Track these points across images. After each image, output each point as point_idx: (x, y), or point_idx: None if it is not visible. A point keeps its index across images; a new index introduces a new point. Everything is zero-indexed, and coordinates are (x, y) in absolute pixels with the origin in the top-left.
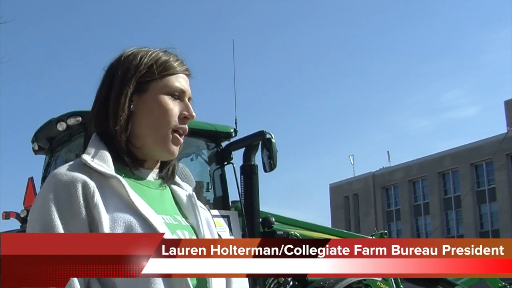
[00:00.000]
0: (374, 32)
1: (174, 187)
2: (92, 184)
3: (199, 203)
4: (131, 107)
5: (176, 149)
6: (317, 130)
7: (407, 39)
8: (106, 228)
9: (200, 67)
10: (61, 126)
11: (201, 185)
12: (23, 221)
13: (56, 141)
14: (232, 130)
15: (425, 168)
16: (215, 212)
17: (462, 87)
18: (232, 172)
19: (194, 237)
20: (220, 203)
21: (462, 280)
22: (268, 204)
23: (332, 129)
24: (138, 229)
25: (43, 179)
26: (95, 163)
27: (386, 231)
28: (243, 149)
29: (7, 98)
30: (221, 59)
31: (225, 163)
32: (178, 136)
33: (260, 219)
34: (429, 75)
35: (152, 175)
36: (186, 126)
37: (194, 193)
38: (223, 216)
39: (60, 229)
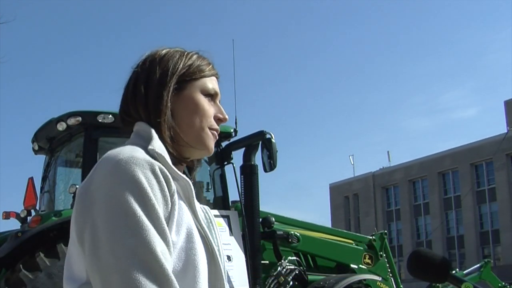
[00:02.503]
0: (374, 33)
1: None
2: (172, 180)
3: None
4: (169, 105)
5: (213, 145)
6: (317, 130)
7: (407, 39)
8: (174, 231)
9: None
10: (61, 126)
11: (201, 185)
12: (23, 221)
13: (56, 141)
14: (232, 130)
15: (425, 168)
16: (215, 212)
17: (462, 87)
18: (232, 172)
19: (217, 255)
20: (220, 203)
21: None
22: (268, 204)
23: (332, 129)
24: (197, 239)
25: (43, 179)
26: (165, 159)
27: (386, 231)
28: (243, 149)
29: (7, 98)
30: (221, 59)
31: (225, 163)
32: (216, 133)
33: (260, 219)
34: (429, 76)
35: None
36: (219, 129)
37: (208, 207)
38: (223, 216)
39: (160, 214)
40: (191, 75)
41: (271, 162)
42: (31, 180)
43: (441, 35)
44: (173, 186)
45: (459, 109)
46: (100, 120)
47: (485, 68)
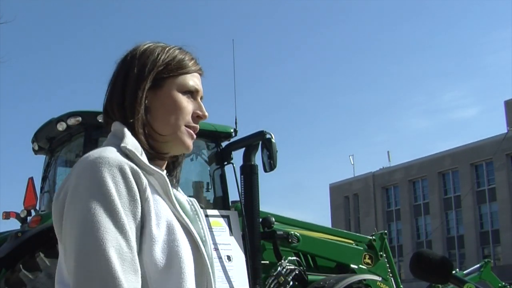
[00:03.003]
0: (374, 33)
1: (174, 191)
2: (142, 175)
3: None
4: (146, 102)
5: (191, 143)
6: (317, 130)
7: (407, 39)
8: (154, 223)
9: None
10: (61, 126)
11: (201, 185)
12: (23, 221)
13: (56, 141)
14: (232, 130)
15: (425, 168)
16: (215, 212)
17: (463, 88)
18: (232, 172)
19: (201, 245)
20: (220, 203)
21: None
22: (268, 204)
23: (332, 129)
24: (178, 230)
25: (43, 179)
26: (137, 156)
27: (386, 231)
28: (243, 149)
29: (7, 98)
30: (221, 59)
31: (225, 163)
32: (192, 132)
33: (260, 219)
34: (429, 76)
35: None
36: (198, 126)
37: (195, 200)
38: (223, 216)
39: (121, 212)
40: (169, 72)
41: (271, 162)
42: (31, 180)
43: (441, 35)
44: (144, 181)
45: (459, 109)
46: (100, 120)
47: (485, 68)
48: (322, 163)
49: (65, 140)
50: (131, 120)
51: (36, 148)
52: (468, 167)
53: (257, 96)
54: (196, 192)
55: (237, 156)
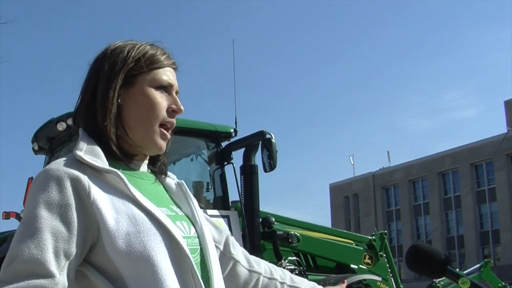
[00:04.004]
0: (374, 33)
1: (163, 177)
2: (86, 179)
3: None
4: (119, 101)
5: (163, 144)
6: (317, 130)
7: (407, 39)
8: (111, 221)
9: (200, 67)
10: (61, 126)
11: (201, 185)
12: None
13: (56, 141)
14: (232, 130)
15: (425, 168)
16: (215, 212)
17: (463, 88)
18: (232, 172)
19: (191, 227)
20: (220, 203)
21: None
22: (268, 204)
23: (332, 129)
24: (142, 221)
25: None
26: (90, 159)
27: (386, 231)
28: (243, 149)
29: (7, 98)
30: (221, 59)
31: (225, 163)
32: (165, 132)
33: (260, 219)
34: (429, 76)
35: (143, 167)
36: (174, 120)
37: (183, 181)
38: (223, 216)
39: (42, 220)
40: (140, 68)
41: (271, 162)
42: (31, 180)
43: (441, 35)
44: (87, 186)
45: (459, 109)
46: None
47: (485, 68)
48: (322, 163)
49: (65, 140)
50: (104, 122)
51: (36, 148)
52: (468, 167)
53: (257, 96)
54: (196, 192)
55: (237, 156)
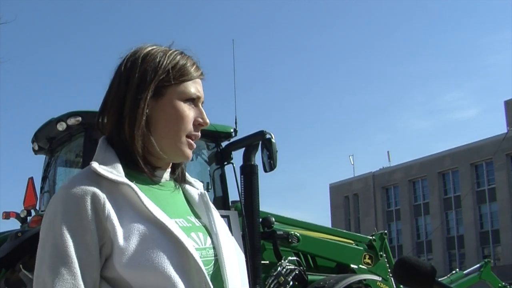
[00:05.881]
0: (375, 33)
1: (186, 186)
2: (102, 196)
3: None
4: (147, 111)
5: (190, 153)
6: (318, 131)
7: (408, 40)
8: (121, 238)
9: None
10: (61, 126)
11: None
12: (23, 221)
13: (56, 141)
14: (232, 130)
15: (425, 168)
16: None
17: (463, 88)
18: (232, 172)
19: (208, 237)
20: (220, 203)
21: (462, 281)
22: (268, 204)
23: (332, 129)
24: (153, 237)
25: (43, 179)
26: (104, 170)
27: (386, 231)
28: (243, 149)
29: (7, 98)
30: (221, 59)
31: (225, 163)
32: (191, 141)
33: (260, 219)
34: (429, 76)
35: (165, 176)
36: (199, 133)
37: (206, 192)
38: (223, 216)
39: (68, 244)
40: (171, 80)
41: (271, 162)
42: (31, 180)
43: (441, 35)
44: (102, 201)
45: (459, 110)
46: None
47: (485, 68)
48: (322, 163)
49: (65, 140)
50: (132, 133)
51: (36, 148)
52: (468, 167)
53: (257, 96)
54: None
55: (237, 156)
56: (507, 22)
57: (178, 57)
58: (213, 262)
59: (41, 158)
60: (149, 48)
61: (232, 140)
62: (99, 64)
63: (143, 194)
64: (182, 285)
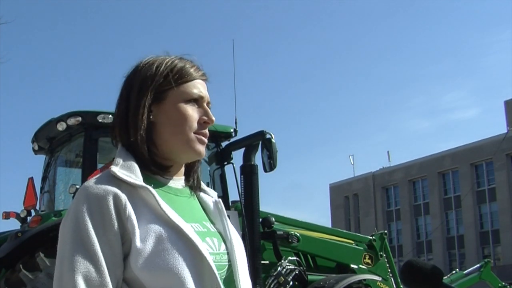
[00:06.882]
0: (375, 34)
1: (201, 193)
2: (123, 197)
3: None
4: (151, 117)
5: (202, 148)
6: (317, 130)
7: (408, 41)
8: (138, 239)
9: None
10: (61, 126)
11: None
12: (23, 221)
13: (56, 141)
14: (232, 130)
15: (425, 168)
16: None
17: (463, 88)
18: (232, 172)
19: (222, 243)
20: None
21: (462, 281)
22: (268, 204)
23: (332, 130)
24: (169, 239)
25: (43, 179)
26: (124, 174)
27: (386, 231)
28: (243, 149)
29: (7, 98)
30: (221, 59)
31: (225, 163)
32: (202, 137)
33: (260, 219)
34: (430, 77)
35: (180, 183)
36: (207, 131)
37: (220, 200)
38: None
39: (94, 241)
40: (169, 84)
41: (271, 162)
42: (31, 180)
43: (441, 36)
44: (123, 202)
45: (459, 110)
46: (100, 120)
47: (485, 69)
48: (322, 163)
49: (65, 140)
50: (135, 139)
51: (36, 148)
52: (468, 167)
53: (257, 96)
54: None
55: (237, 156)
56: (507, 22)
57: (177, 61)
58: (227, 267)
59: (41, 158)
60: (149, 59)
61: (232, 140)
62: (100, 64)
63: (160, 198)
64: (192, 283)
